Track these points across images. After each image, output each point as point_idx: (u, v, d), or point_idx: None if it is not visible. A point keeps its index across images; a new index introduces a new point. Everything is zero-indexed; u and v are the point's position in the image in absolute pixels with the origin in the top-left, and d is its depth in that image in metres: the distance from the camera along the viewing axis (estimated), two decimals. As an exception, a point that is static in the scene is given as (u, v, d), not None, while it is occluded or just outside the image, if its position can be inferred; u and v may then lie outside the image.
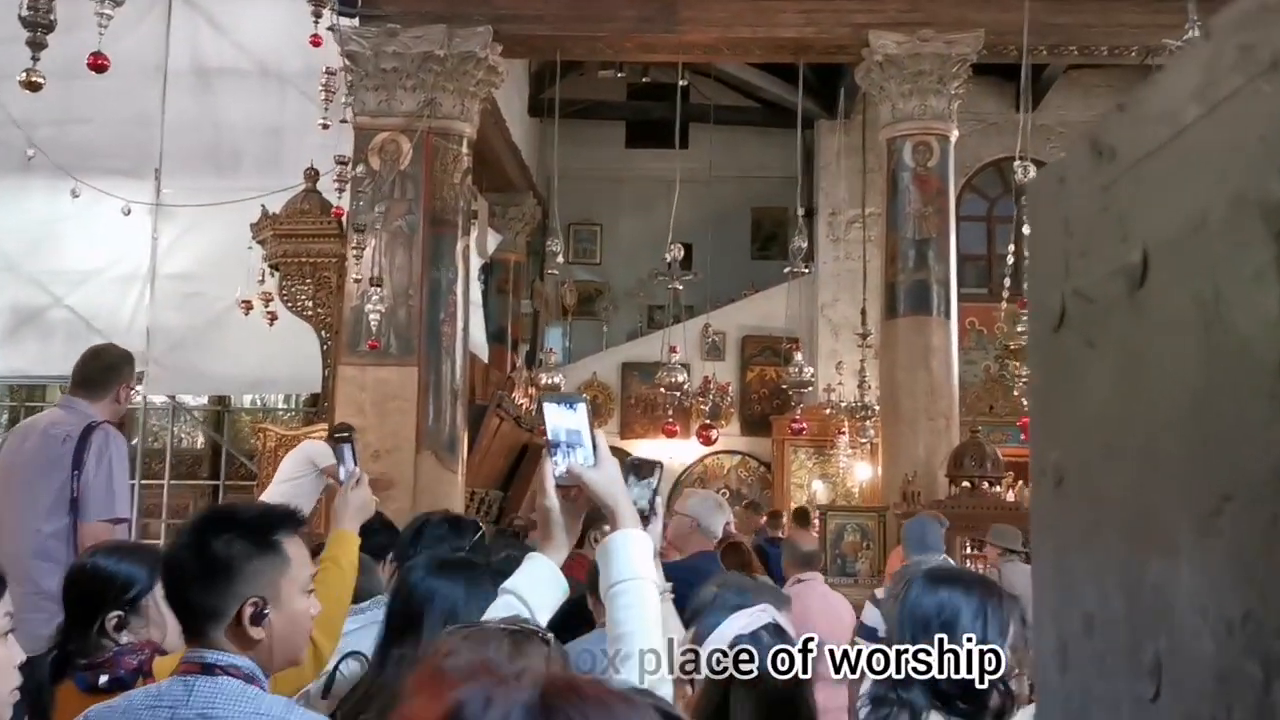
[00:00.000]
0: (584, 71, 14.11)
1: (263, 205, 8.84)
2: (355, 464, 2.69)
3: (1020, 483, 9.65)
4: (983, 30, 8.51)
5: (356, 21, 8.59)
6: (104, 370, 3.94)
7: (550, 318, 15.20)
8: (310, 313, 8.60)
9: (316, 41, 5.69)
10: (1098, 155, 0.84)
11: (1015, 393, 8.43)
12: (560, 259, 8.60)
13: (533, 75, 13.28)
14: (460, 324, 8.64)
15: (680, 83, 10.16)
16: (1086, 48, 8.96)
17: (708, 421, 9.76)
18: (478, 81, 8.74)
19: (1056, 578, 0.84)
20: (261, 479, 8.57)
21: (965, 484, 8.02)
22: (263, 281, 8.85)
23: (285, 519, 1.87)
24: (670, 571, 4.32)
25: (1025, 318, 6.34)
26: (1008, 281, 6.75)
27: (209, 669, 1.69)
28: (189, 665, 1.71)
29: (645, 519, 2.00)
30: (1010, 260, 6.46)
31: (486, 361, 11.53)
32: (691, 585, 4.34)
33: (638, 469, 2.02)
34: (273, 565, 1.78)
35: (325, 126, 6.42)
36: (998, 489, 8.33)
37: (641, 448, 13.56)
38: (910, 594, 1.96)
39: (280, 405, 12.17)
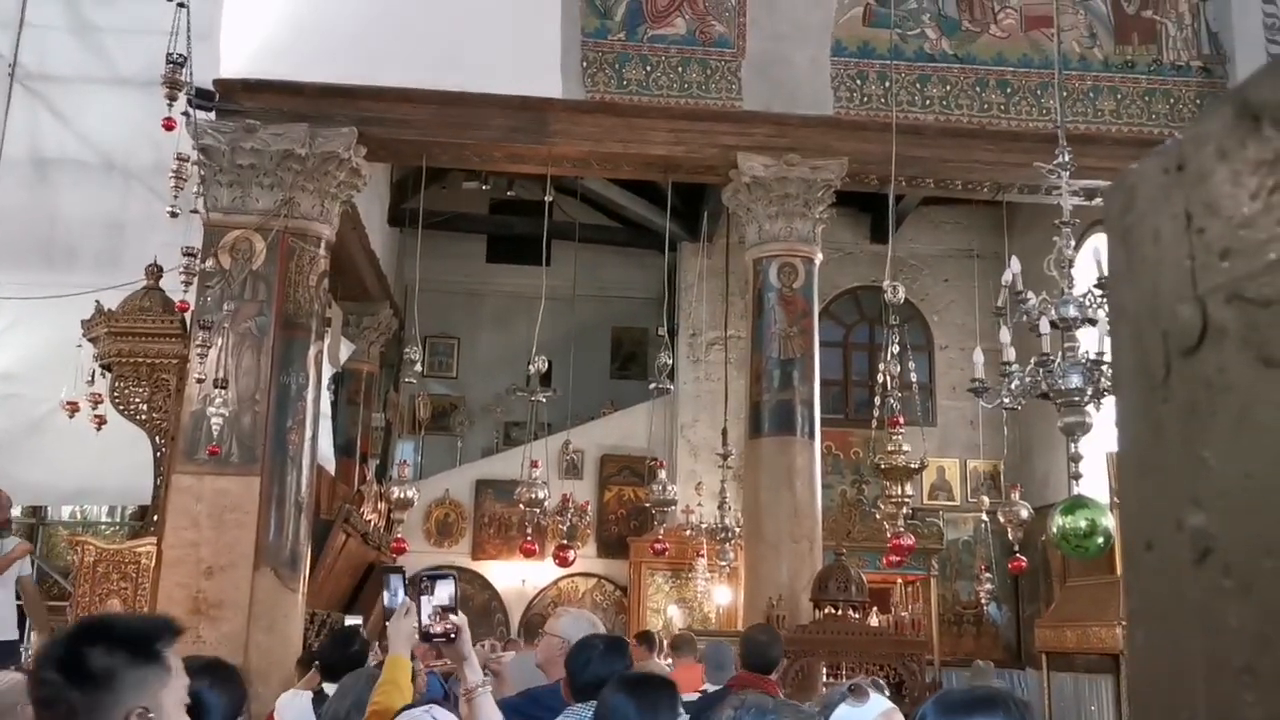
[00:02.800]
0: (446, 185, 14.00)
1: (97, 301, 8.29)
2: (405, 596, 2.95)
3: (874, 609, 9.58)
4: (846, 158, 8.74)
5: (212, 115, 8.26)
6: None
7: (402, 431, 14.69)
8: (144, 417, 8.00)
9: (170, 125, 5.36)
10: (1252, 121, 0.65)
11: (878, 516, 8.40)
12: (418, 367, 8.26)
13: (394, 184, 13.08)
14: (309, 433, 8.16)
15: (546, 199, 10.08)
16: (943, 181, 9.29)
17: (565, 542, 9.40)
18: (339, 183, 8.48)
19: (1209, 690, 0.62)
20: (77, 597, 7.82)
21: (830, 609, 7.87)
22: (91, 382, 8.23)
23: (166, 629, 1.74)
24: (540, 698, 3.96)
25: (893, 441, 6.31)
26: (878, 401, 6.75)
27: None
28: None
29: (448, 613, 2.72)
30: (881, 379, 6.47)
31: (333, 474, 10.97)
32: (556, 713, 3.98)
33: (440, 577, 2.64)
34: (155, 675, 1.70)
35: (174, 214, 6.01)
36: (857, 615, 8.21)
37: (495, 569, 13.07)
38: None
39: (104, 518, 11.27)
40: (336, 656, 4.65)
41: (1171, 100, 9.14)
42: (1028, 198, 9.56)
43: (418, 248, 10.11)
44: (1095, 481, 7.90)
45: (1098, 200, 8.86)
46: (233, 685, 2.52)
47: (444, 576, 2.90)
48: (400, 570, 3.19)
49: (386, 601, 3.03)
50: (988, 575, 10.61)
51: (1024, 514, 7.48)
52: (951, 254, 13.88)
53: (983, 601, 11.40)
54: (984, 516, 10.88)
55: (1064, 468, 12.53)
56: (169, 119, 5.37)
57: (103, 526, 11.15)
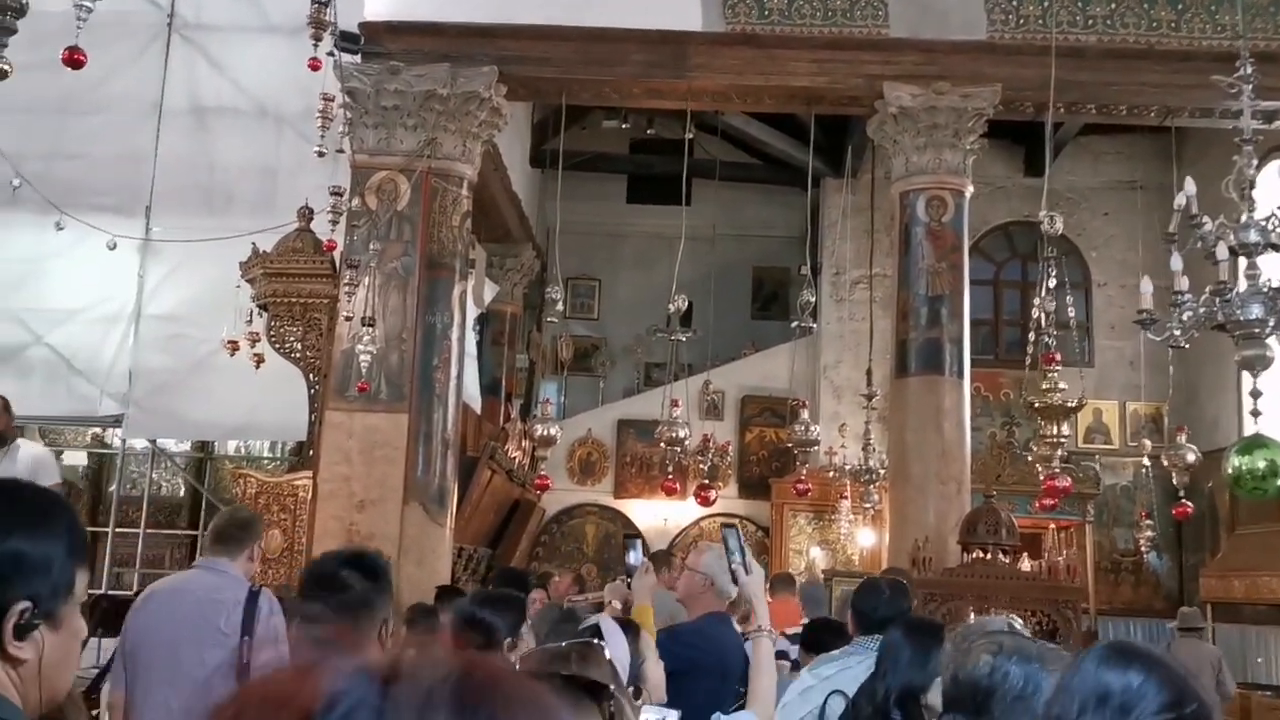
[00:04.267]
0: (586, 125, 13.96)
1: (253, 243, 8.57)
2: (644, 557, 3.65)
3: (1025, 554, 9.28)
4: (999, 85, 8.32)
5: (358, 58, 8.38)
6: (240, 528, 4.03)
7: (546, 371, 14.88)
8: (298, 355, 8.27)
9: (315, 65, 5.42)
10: None
11: (1030, 459, 8.09)
12: (560, 307, 8.28)
13: (534, 125, 13.12)
14: (454, 371, 8.29)
15: (686, 136, 9.93)
16: (1105, 106, 8.75)
17: (706, 481, 9.37)
18: (480, 123, 8.51)
19: None
20: (240, 528, 8.17)
21: (978, 552, 7.63)
22: (250, 322, 8.54)
23: None
24: (680, 634, 3.93)
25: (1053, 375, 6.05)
26: (1032, 336, 6.45)
27: None
28: None
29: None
30: (1036, 314, 6.17)
31: (479, 413, 11.19)
32: (699, 650, 3.95)
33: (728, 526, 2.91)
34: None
35: (320, 154, 6.13)
36: (1006, 559, 7.93)
37: (636, 507, 13.18)
38: (1087, 669, 1.62)
39: (265, 453, 11.77)
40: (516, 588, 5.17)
41: (1364, 12, 8.38)
42: (1200, 122, 8.95)
43: (558, 188, 10.12)
44: (1273, 421, 7.41)
45: (1279, 123, 8.23)
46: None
47: (729, 526, 3.37)
48: (640, 536, 3.85)
49: (631, 560, 3.69)
50: (1148, 522, 10.16)
51: (1190, 458, 7.10)
52: (1112, 186, 13.19)
53: (1143, 549, 10.94)
54: (1145, 461, 10.37)
55: (1235, 410, 11.82)
56: (314, 59, 5.43)
57: (264, 461, 11.65)
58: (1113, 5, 8.36)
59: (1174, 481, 7.23)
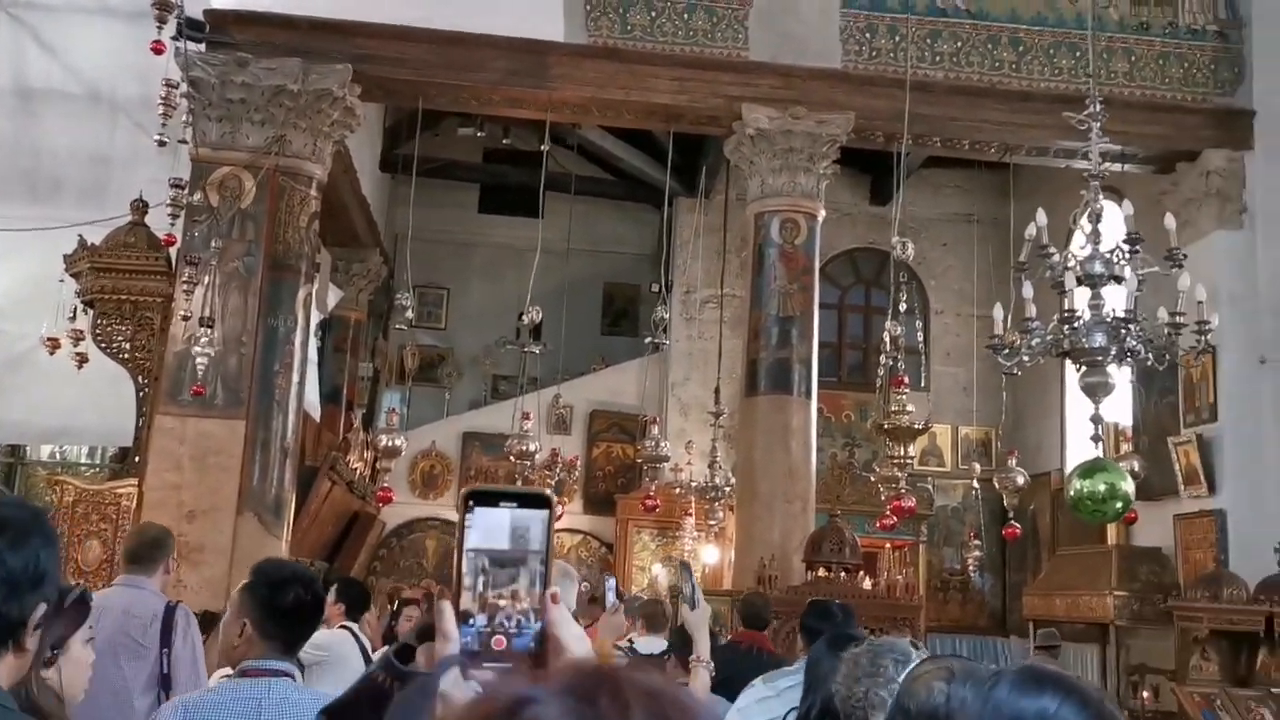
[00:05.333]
0: (439, 132, 13.72)
1: (80, 235, 8.06)
2: (617, 599, 3.73)
3: (861, 573, 9.51)
4: (853, 114, 8.54)
5: (202, 47, 7.99)
6: (152, 547, 4.14)
7: (390, 381, 14.50)
8: (127, 355, 7.80)
9: (159, 48, 5.13)
10: None
11: (872, 479, 8.29)
12: (409, 314, 8.06)
13: (387, 129, 12.81)
14: (296, 377, 7.98)
15: (543, 148, 9.84)
16: (950, 140, 9.09)
17: (553, 497, 9.27)
18: (332, 122, 8.24)
19: None
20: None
21: (822, 570, 7.77)
22: (73, 319, 8.02)
23: None
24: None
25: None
26: (883, 360, 6.61)
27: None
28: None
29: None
30: (887, 337, 6.32)
31: (319, 422, 10.80)
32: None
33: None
34: None
35: (161, 144, 5.80)
36: (844, 575, 8.10)
37: (479, 523, 12.91)
38: (998, 692, 1.56)
39: (84, 459, 11.08)
40: (361, 600, 5.37)
41: (1185, 65, 8.96)
42: (1035, 160, 9.39)
43: (411, 194, 9.86)
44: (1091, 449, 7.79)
45: (1109, 165, 8.70)
46: None
47: (685, 564, 3.64)
48: (613, 576, 3.96)
49: (607, 602, 3.79)
50: (976, 542, 10.56)
51: (1020, 480, 7.39)
52: (950, 218, 13.70)
53: (970, 568, 11.36)
54: (975, 483, 10.77)
55: (1057, 435, 12.33)
56: (158, 42, 5.16)
57: (82, 467, 10.96)
58: (959, 44, 8.70)
59: (1005, 503, 7.51)
